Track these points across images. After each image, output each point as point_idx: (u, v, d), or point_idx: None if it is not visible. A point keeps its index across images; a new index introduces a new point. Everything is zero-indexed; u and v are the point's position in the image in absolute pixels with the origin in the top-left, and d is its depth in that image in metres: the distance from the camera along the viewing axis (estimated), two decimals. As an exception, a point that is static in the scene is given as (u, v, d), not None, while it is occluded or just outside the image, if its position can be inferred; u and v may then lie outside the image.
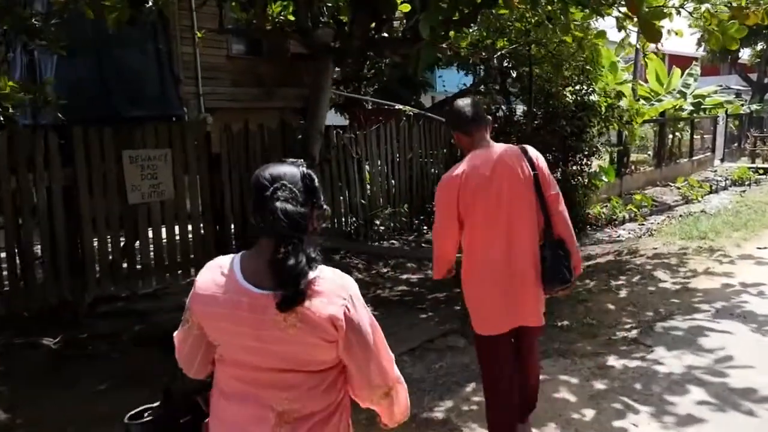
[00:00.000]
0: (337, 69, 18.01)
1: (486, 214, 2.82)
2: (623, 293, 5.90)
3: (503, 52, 9.83)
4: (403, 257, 8.34)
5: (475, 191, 2.81)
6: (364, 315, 1.65)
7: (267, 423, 1.61)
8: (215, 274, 1.64)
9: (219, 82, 12.04)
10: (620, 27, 7.75)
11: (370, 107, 16.96)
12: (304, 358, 1.60)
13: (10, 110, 5.91)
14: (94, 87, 10.01)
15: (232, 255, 1.68)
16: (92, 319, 5.89)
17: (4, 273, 5.51)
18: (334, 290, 1.60)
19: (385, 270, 7.67)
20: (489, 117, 3.07)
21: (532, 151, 2.95)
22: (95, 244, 5.98)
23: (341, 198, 8.33)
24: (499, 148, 2.95)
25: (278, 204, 1.57)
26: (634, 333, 4.75)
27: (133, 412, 1.87)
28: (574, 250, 2.95)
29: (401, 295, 6.81)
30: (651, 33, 5.28)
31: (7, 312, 5.50)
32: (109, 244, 6.08)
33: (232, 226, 7.02)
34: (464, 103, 3.00)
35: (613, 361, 4.28)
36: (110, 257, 6.09)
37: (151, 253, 6.42)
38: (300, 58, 12.82)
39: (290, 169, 1.67)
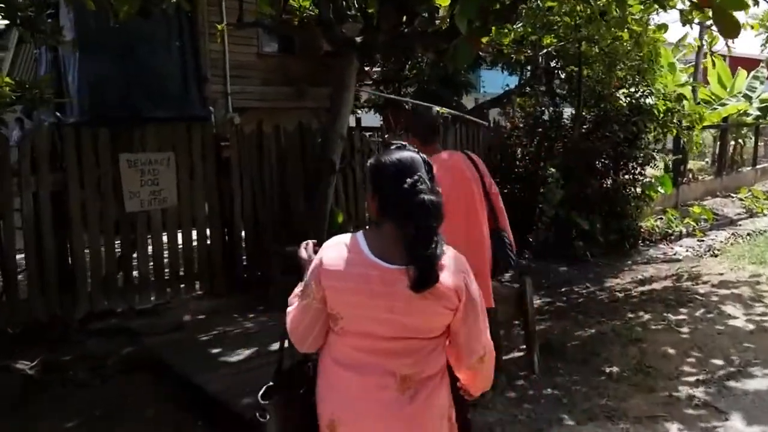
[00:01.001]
0: (376, 69, 17.44)
1: (449, 212, 2.75)
2: (685, 332, 5.01)
3: (550, 49, 8.94)
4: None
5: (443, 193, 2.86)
6: (476, 286, 1.81)
7: (390, 389, 1.73)
8: (341, 251, 1.75)
9: (248, 80, 11.51)
10: (685, 21, 6.77)
11: (408, 108, 16.24)
12: (427, 325, 1.75)
13: None
14: (117, 86, 9.59)
15: (349, 234, 1.81)
16: (82, 336, 5.34)
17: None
18: (456, 264, 1.76)
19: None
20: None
21: (474, 156, 3.36)
22: (87, 255, 5.44)
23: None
24: (448, 154, 3.28)
25: (422, 197, 1.71)
26: (701, 391, 3.88)
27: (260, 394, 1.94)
28: (512, 239, 3.53)
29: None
30: (727, 25, 4.38)
31: (-13, 329, 5.01)
32: (103, 256, 5.53)
33: (243, 235, 6.40)
34: (428, 114, 3.39)
35: (676, 431, 3.44)
36: (104, 269, 5.55)
37: (150, 266, 5.85)
38: (333, 56, 12.19)
39: (417, 158, 1.81)
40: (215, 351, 4.75)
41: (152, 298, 5.87)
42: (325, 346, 1.84)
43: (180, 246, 6.02)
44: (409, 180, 1.73)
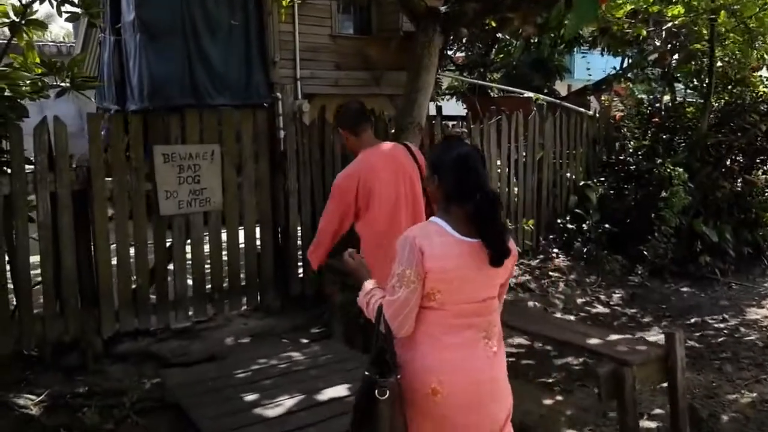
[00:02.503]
0: (459, 54, 16.13)
1: (383, 207, 3.13)
2: None
3: (677, 22, 7.39)
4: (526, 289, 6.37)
5: (378, 185, 3.12)
6: None
7: (481, 344, 2.06)
8: (433, 236, 2.01)
9: (320, 64, 10.57)
10: None
11: (494, 95, 14.89)
12: (500, 284, 2.12)
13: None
14: (178, 71, 8.90)
15: (424, 223, 2.17)
16: (104, 362, 4.53)
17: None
18: (510, 238, 2.09)
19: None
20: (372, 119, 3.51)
21: (414, 148, 3.46)
22: (114, 266, 4.61)
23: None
24: (387, 146, 3.37)
25: (482, 187, 2.02)
26: None
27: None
28: None
29: (514, 356, 4.86)
30: None
31: (-5, 352, 4.26)
32: (133, 267, 4.69)
33: (299, 242, 5.41)
34: (353, 104, 3.33)
35: None
36: (134, 283, 4.70)
37: (189, 278, 4.96)
38: (413, 37, 11.05)
39: (473, 151, 2.14)
40: (251, 397, 3.76)
41: (190, 315, 4.99)
42: (416, 326, 2.04)
43: (224, 255, 5.09)
44: (470, 173, 2.04)
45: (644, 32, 7.39)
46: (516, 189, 7.10)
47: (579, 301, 6.32)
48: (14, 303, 4.36)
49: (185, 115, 4.84)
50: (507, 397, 2.14)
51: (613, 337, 3.33)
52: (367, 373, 2.03)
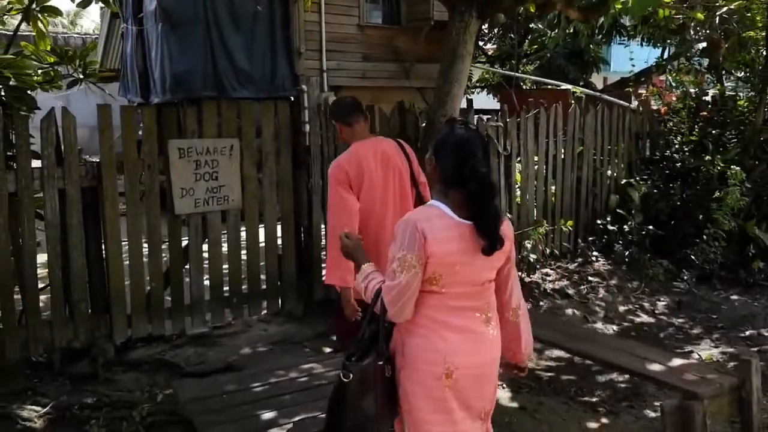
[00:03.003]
0: (489, 46, 15.61)
1: (372, 198, 3.13)
2: None
3: (732, 6, 6.86)
4: (562, 296, 5.96)
5: (368, 176, 3.12)
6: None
7: (482, 325, 2.08)
8: (434, 220, 1.99)
9: (347, 55, 10.21)
10: None
11: (527, 88, 14.38)
12: (496, 267, 2.10)
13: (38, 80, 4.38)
14: (202, 62, 8.63)
15: (424, 206, 2.13)
16: (116, 370, 4.27)
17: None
18: (507, 220, 2.14)
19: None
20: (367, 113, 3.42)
21: (405, 145, 3.41)
22: (126, 268, 4.34)
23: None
24: (379, 140, 3.35)
25: (477, 171, 1.99)
26: None
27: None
28: None
29: (552, 371, 4.47)
30: None
31: (1, 359, 4.01)
32: (146, 269, 4.41)
33: (323, 243, 5.08)
34: (345, 97, 3.46)
35: None
36: (147, 286, 4.43)
37: (206, 281, 4.67)
38: (445, 27, 10.63)
39: (474, 136, 2.10)
40: (268, 415, 3.44)
41: (208, 320, 4.70)
42: (417, 308, 2.03)
43: (243, 257, 4.79)
44: (468, 157, 1.99)
45: (701, 16, 6.84)
46: (554, 188, 6.67)
47: (621, 308, 5.89)
48: (21, 307, 4.11)
49: (202, 107, 4.53)
50: (496, 378, 2.20)
51: (677, 362, 2.93)
52: (347, 356, 2.09)
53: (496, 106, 15.20)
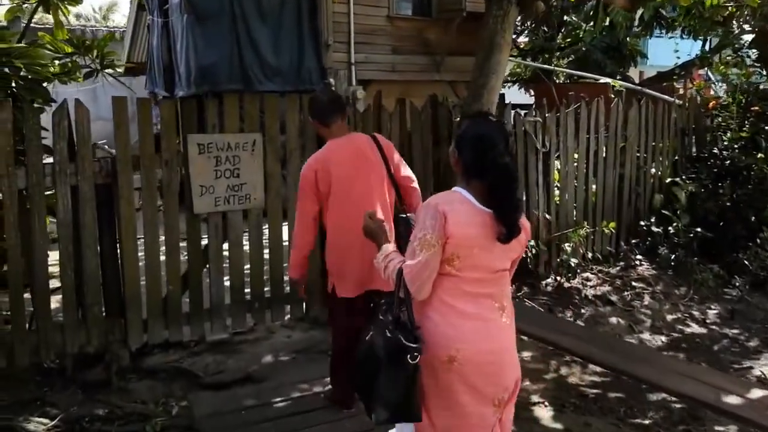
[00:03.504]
0: (521, 39, 15.16)
1: (347, 194, 3.11)
2: None
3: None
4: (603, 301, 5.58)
5: (337, 174, 3.11)
6: None
7: (496, 313, 2.11)
8: (457, 205, 2.05)
9: (376, 48, 9.88)
10: None
11: (560, 82, 13.90)
12: (513, 258, 2.16)
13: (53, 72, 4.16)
14: (227, 55, 8.39)
15: (447, 191, 2.14)
16: (133, 376, 4.04)
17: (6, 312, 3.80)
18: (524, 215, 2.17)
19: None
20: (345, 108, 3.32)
21: (382, 139, 3.35)
22: (142, 270, 4.10)
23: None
24: (354, 136, 3.31)
25: (499, 163, 2.02)
26: None
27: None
28: None
29: (597, 387, 4.10)
30: None
31: (10, 365, 3.80)
32: (164, 271, 4.16)
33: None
34: (324, 94, 3.37)
35: None
36: (164, 289, 4.18)
37: (226, 283, 4.41)
38: (477, 18, 10.23)
39: (495, 129, 2.12)
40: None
41: (228, 326, 4.44)
42: (432, 291, 2.08)
43: (266, 259, 4.53)
44: (489, 149, 2.03)
45: (756, 1, 6.36)
46: (594, 187, 6.27)
47: (669, 317, 5.48)
48: (31, 309, 3.90)
49: (224, 100, 4.26)
50: (516, 368, 2.19)
51: (758, 393, 2.56)
52: (391, 336, 2.06)
53: (527, 100, 14.76)
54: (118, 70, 4.85)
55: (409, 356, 2.01)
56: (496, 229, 2.02)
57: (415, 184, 3.41)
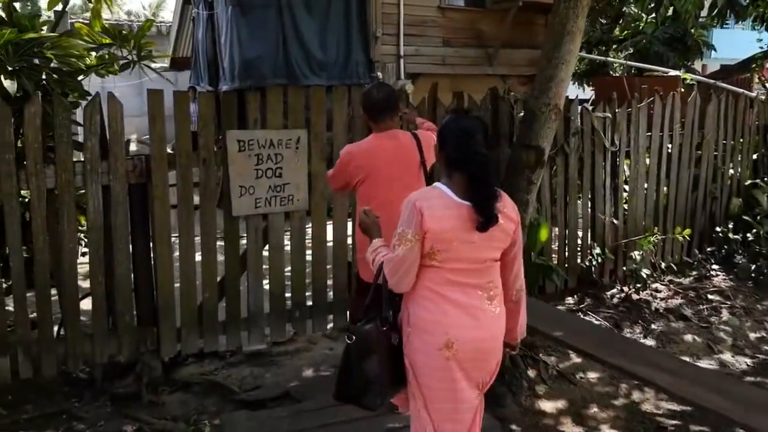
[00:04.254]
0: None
1: (378, 187, 3.12)
2: None
3: None
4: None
5: (372, 167, 3.15)
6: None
7: (484, 301, 2.17)
8: (434, 200, 2.12)
9: (426, 40, 9.47)
10: None
11: (617, 75, 13.19)
12: (499, 247, 2.20)
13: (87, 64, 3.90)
14: (272, 48, 8.12)
15: (427, 187, 2.27)
16: (165, 389, 3.77)
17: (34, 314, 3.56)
18: (512, 202, 2.25)
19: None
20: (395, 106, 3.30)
21: (423, 139, 3.27)
22: (176, 275, 3.81)
23: (578, 214, 5.24)
24: (398, 133, 3.28)
25: (477, 155, 2.12)
26: None
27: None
28: None
29: (676, 417, 3.61)
30: None
31: (37, 374, 3.57)
32: (199, 277, 3.87)
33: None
34: (379, 91, 3.27)
35: None
36: (199, 297, 3.89)
37: (266, 292, 4.09)
38: (534, 9, 9.72)
39: (475, 123, 2.24)
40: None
41: (267, 336, 4.13)
42: (419, 283, 2.15)
43: (309, 265, 4.20)
44: (468, 141, 2.13)
45: None
46: (665, 189, 5.73)
47: (752, 336, 4.92)
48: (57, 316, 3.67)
49: (266, 93, 3.93)
50: (499, 353, 2.26)
51: None
52: (356, 321, 2.25)
53: (577, 95, 14.08)
54: (163, 64, 4.61)
55: (346, 336, 2.22)
56: (474, 220, 2.08)
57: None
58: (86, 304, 3.69)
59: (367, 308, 2.25)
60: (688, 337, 4.80)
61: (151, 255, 3.74)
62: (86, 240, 3.64)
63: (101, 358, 3.67)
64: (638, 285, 5.22)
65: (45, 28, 3.75)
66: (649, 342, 4.68)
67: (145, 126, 3.66)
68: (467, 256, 2.12)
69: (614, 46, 14.68)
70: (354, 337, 2.18)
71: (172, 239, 3.75)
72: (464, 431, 2.21)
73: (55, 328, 3.69)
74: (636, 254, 5.28)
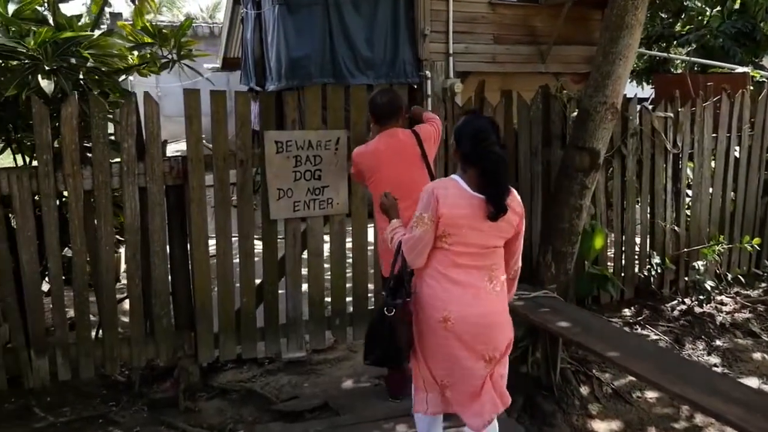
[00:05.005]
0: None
1: (386, 180, 3.28)
2: None
3: None
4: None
5: (378, 163, 3.35)
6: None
7: (485, 282, 2.42)
8: (449, 190, 2.38)
9: (476, 37, 9.18)
10: None
11: (680, 72, 12.56)
12: (504, 237, 2.46)
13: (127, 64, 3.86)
14: (319, 46, 8.02)
15: (447, 178, 2.49)
16: (202, 395, 3.69)
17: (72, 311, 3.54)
18: (518, 198, 2.48)
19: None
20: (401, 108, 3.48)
21: (423, 132, 3.46)
22: (213, 280, 3.73)
23: (636, 220, 4.92)
24: (398, 131, 3.42)
25: (491, 153, 2.36)
26: None
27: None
28: None
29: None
30: None
31: (75, 376, 3.54)
32: (236, 282, 3.78)
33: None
34: (383, 97, 3.45)
35: None
36: (237, 302, 3.80)
37: (305, 298, 3.96)
38: (589, 3, 9.32)
39: (488, 123, 2.48)
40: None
41: (306, 343, 4.01)
42: (428, 262, 2.43)
43: (349, 271, 4.05)
44: (482, 140, 2.37)
45: None
46: (732, 195, 5.33)
47: (829, 356, 4.50)
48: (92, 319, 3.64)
49: (305, 92, 3.80)
50: (508, 330, 2.51)
51: None
52: (383, 294, 2.56)
53: (637, 93, 13.49)
54: (215, 64, 4.54)
55: (386, 309, 2.44)
56: (485, 210, 2.34)
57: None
58: (123, 307, 3.65)
59: (394, 284, 2.51)
60: (757, 356, 4.43)
61: (189, 257, 3.66)
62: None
63: (139, 361, 3.62)
64: (701, 297, 4.86)
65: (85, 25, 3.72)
66: (713, 359, 4.35)
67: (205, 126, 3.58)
68: (474, 242, 2.39)
69: (674, 42, 14.01)
70: (394, 311, 2.42)
71: (210, 242, 3.66)
72: (470, 391, 2.46)
73: (93, 331, 3.66)
74: (699, 264, 4.91)
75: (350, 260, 4.08)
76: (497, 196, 2.34)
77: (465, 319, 2.37)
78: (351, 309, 4.10)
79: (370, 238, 4.09)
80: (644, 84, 13.73)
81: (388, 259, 3.05)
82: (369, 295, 4.15)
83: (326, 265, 4.00)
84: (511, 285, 2.63)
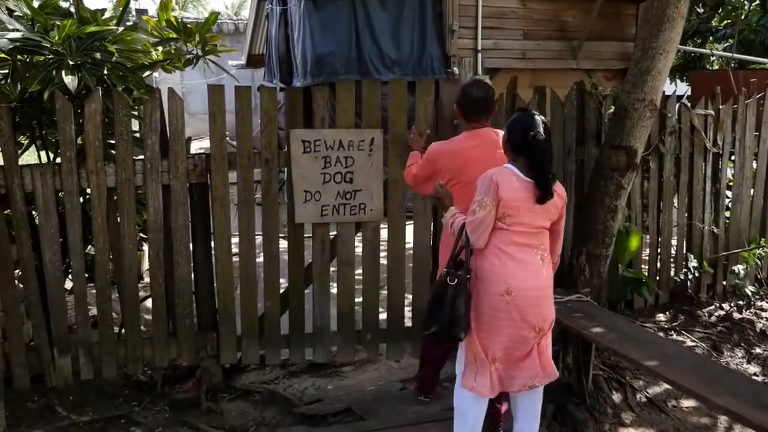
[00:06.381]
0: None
1: (466, 184, 3.05)
2: None
3: None
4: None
5: (458, 166, 3.15)
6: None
7: (537, 258, 2.70)
8: (505, 176, 2.66)
9: (506, 33, 9.00)
10: None
11: (717, 68, 12.20)
12: (550, 219, 2.75)
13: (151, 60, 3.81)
14: (345, 43, 7.93)
15: (501, 167, 2.72)
16: (224, 396, 3.64)
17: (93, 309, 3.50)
18: (561, 186, 2.79)
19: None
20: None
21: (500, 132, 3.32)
22: (237, 282, 3.66)
23: (672, 221, 4.73)
24: (488, 132, 3.25)
25: (537, 143, 2.64)
26: None
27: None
28: None
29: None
30: None
31: (98, 375, 3.51)
32: (261, 286, 3.70)
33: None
34: (480, 90, 3.21)
35: None
36: (261, 305, 3.72)
37: (332, 308, 3.83)
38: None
39: (535, 118, 2.71)
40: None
41: (331, 351, 3.88)
42: (489, 241, 2.67)
43: (383, 282, 3.86)
44: (530, 133, 2.64)
45: None
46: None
47: None
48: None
49: (337, 88, 3.66)
50: (552, 305, 2.79)
51: None
52: (447, 269, 2.73)
53: (672, 90, 13.13)
54: (240, 61, 4.46)
55: (449, 278, 2.64)
56: (535, 194, 2.63)
57: None
58: (146, 305, 3.61)
59: (456, 260, 2.71)
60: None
61: (212, 257, 3.59)
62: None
63: (161, 361, 3.58)
64: (741, 303, 4.66)
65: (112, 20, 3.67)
66: (753, 368, 4.16)
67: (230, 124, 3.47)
68: (528, 222, 2.66)
69: (711, 38, 13.61)
70: (456, 280, 2.61)
71: (233, 240, 3.59)
72: (518, 356, 2.71)
73: (116, 329, 3.63)
74: (739, 268, 4.71)
75: (384, 275, 3.84)
76: (545, 181, 2.62)
77: (523, 292, 2.62)
78: (384, 325, 3.87)
79: (408, 244, 3.84)
80: (678, 81, 13.38)
81: (448, 250, 2.95)
82: (406, 305, 3.93)
83: (359, 277, 3.81)
84: (554, 266, 2.89)
